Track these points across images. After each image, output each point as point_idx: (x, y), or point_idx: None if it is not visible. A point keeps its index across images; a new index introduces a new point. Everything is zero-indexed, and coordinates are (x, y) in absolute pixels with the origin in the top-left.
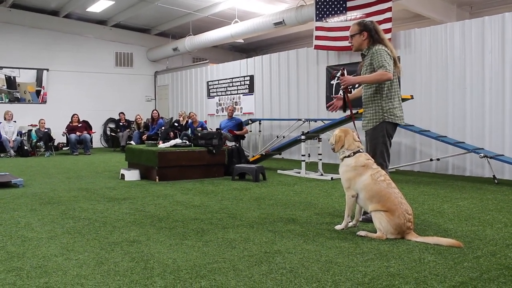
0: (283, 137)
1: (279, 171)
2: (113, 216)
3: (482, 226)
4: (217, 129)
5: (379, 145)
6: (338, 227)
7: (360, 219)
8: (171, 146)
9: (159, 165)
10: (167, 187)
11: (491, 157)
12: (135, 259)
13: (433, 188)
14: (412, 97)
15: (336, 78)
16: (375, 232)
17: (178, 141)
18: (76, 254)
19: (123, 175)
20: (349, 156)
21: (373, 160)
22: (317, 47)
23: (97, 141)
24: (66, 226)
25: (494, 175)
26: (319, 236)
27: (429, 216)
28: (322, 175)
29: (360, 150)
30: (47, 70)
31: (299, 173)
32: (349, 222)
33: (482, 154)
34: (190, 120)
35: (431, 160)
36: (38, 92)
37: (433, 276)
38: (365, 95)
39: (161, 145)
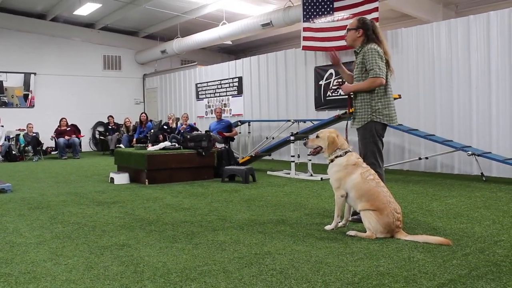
0: (273, 138)
1: (268, 172)
2: (103, 220)
3: (471, 224)
4: (206, 131)
5: (369, 144)
6: (328, 227)
7: (350, 219)
8: (160, 149)
9: (149, 168)
10: (156, 190)
11: (478, 155)
12: (125, 263)
13: (422, 186)
14: (400, 97)
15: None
16: (365, 232)
17: (167, 143)
18: (65, 259)
19: (112, 179)
20: (340, 155)
21: (361, 159)
22: (305, 48)
23: (86, 144)
24: (55, 231)
25: (482, 173)
26: (309, 237)
27: (418, 215)
28: (311, 175)
29: (350, 150)
30: (35, 74)
31: (288, 174)
32: (339, 222)
33: (470, 152)
34: (180, 123)
35: (419, 159)
36: (25, 96)
37: (423, 274)
38: (356, 94)
39: (150, 148)
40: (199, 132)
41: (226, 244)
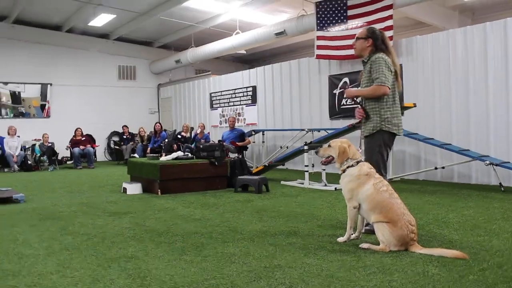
0: (287, 147)
1: (282, 182)
2: (113, 231)
3: (488, 236)
4: (219, 141)
5: (374, 154)
6: (340, 239)
7: (363, 230)
8: (173, 159)
9: (161, 178)
10: (168, 200)
11: (496, 165)
12: (132, 275)
13: (438, 197)
14: (415, 105)
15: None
16: (378, 244)
17: (180, 153)
18: (72, 271)
19: (125, 189)
20: (352, 166)
21: (374, 170)
22: (319, 57)
23: (101, 154)
24: (64, 242)
25: (500, 183)
26: (320, 249)
27: (434, 227)
28: (325, 185)
29: (362, 160)
30: (51, 84)
31: (302, 183)
32: (352, 234)
33: (487, 162)
34: (197, 131)
35: (435, 168)
36: (42, 107)
37: None
38: (365, 103)
39: (163, 158)
40: (211, 142)
41: (235, 257)
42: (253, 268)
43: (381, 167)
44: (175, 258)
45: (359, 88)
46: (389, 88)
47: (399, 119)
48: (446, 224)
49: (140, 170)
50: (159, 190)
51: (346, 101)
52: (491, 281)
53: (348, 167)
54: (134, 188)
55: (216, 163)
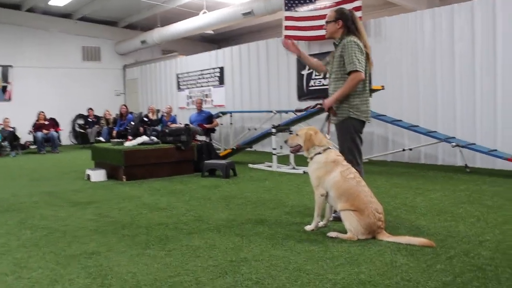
0: (255, 129)
1: (250, 165)
2: (75, 224)
3: (455, 222)
4: (185, 124)
5: (346, 141)
6: (308, 227)
7: (331, 218)
8: (138, 144)
9: (126, 164)
10: (134, 187)
11: (462, 146)
12: (93, 274)
13: (406, 179)
14: (383, 88)
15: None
16: (346, 233)
17: (145, 138)
18: (29, 272)
19: (89, 176)
20: (319, 153)
21: (342, 157)
22: (287, 37)
23: (66, 138)
24: (22, 237)
25: (466, 164)
26: (288, 239)
27: (402, 211)
28: (294, 168)
29: (330, 147)
30: (11, 66)
31: (270, 167)
32: (319, 222)
33: (454, 143)
34: (163, 113)
35: (403, 150)
36: (4, 88)
37: (405, 282)
38: (334, 89)
39: (127, 143)
40: (179, 124)
41: (200, 250)
42: (219, 263)
43: (355, 154)
44: (138, 253)
45: (330, 74)
46: (363, 74)
47: (368, 106)
48: (414, 209)
49: (104, 156)
50: (124, 177)
51: (314, 83)
52: (458, 270)
53: (315, 154)
54: (98, 175)
55: (183, 147)
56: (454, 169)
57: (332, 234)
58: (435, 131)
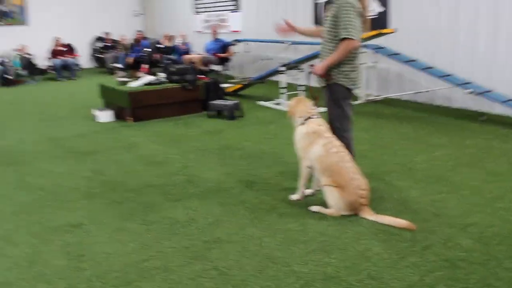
0: (270, 59)
1: (260, 103)
2: (69, 184)
3: (448, 194)
4: (191, 62)
5: (333, 107)
6: (293, 197)
7: (318, 188)
8: (144, 84)
9: (132, 105)
10: (138, 131)
11: (478, 94)
12: (70, 253)
13: (414, 128)
14: (395, 31)
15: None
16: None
17: (151, 78)
18: (12, 248)
19: (96, 117)
20: (302, 124)
21: (325, 126)
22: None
23: (86, 62)
24: (16, 201)
25: (481, 113)
26: (270, 212)
27: (396, 176)
28: None
29: (313, 116)
30: None
31: (279, 104)
32: (306, 191)
33: (469, 90)
34: (177, 41)
35: (416, 93)
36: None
37: (370, 279)
38: (323, 51)
39: (133, 84)
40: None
41: (178, 225)
42: (193, 243)
43: (342, 121)
44: (118, 227)
45: (323, 32)
46: (358, 41)
47: (357, 73)
48: (410, 173)
49: (111, 96)
50: (129, 118)
51: None
52: (429, 267)
53: (299, 125)
54: (105, 116)
55: (189, 86)
56: (469, 115)
57: (315, 208)
58: (451, 75)
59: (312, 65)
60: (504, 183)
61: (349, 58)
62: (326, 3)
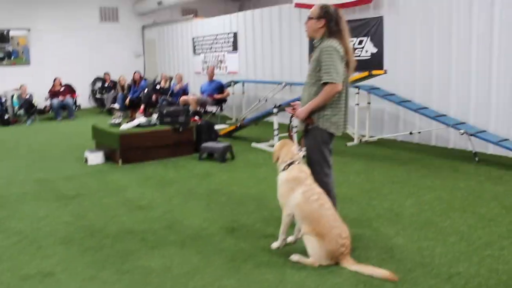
0: (266, 100)
1: (253, 145)
2: (48, 229)
3: (435, 241)
4: (184, 105)
5: (313, 151)
6: (274, 245)
7: (299, 236)
8: (134, 127)
9: (121, 147)
10: (126, 174)
11: (471, 134)
12: None
13: (407, 170)
14: (385, 72)
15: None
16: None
17: (142, 120)
18: None
19: (86, 159)
20: (284, 169)
21: (307, 173)
22: (298, 5)
23: (86, 102)
24: None
25: (474, 153)
26: (248, 261)
27: (383, 222)
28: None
29: (295, 162)
30: (28, 30)
31: (272, 146)
32: (286, 239)
33: (462, 131)
34: (173, 82)
35: (410, 133)
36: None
37: None
38: (304, 94)
39: (124, 126)
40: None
41: (153, 275)
42: None
43: (323, 166)
44: (90, 276)
45: (307, 82)
46: (341, 85)
47: (340, 117)
48: (398, 218)
49: (102, 137)
50: (119, 160)
51: None
52: None
53: (281, 170)
54: (95, 158)
55: (180, 129)
56: (464, 155)
57: (295, 257)
58: (445, 115)
59: (293, 108)
60: (494, 228)
61: (331, 102)
62: (312, 46)
